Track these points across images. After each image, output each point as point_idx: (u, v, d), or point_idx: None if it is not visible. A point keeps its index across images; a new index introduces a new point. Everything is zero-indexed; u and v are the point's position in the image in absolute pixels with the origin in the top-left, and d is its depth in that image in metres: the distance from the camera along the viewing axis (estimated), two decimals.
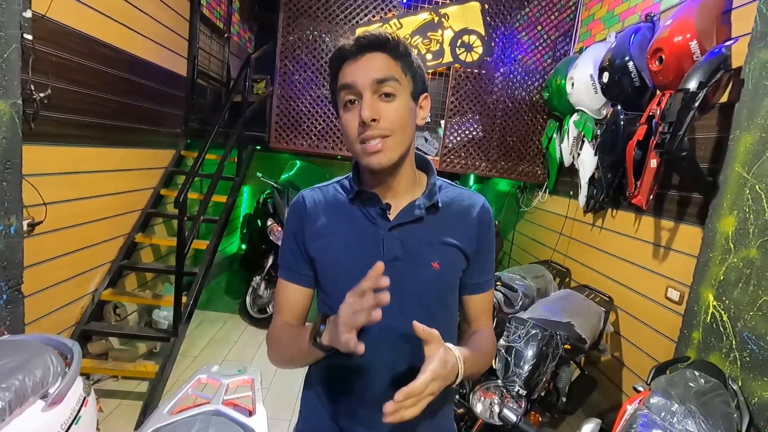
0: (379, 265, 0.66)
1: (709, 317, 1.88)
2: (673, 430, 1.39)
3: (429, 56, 3.69)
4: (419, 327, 0.69)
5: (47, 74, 1.94)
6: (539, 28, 3.71)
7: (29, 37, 1.74)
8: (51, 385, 1.27)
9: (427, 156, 0.91)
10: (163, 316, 3.19)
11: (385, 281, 0.66)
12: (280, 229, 3.77)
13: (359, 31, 3.60)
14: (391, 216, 0.83)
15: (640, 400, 1.56)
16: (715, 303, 1.86)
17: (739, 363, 1.72)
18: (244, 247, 5.10)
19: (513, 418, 0.80)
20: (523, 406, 1.40)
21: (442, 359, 0.70)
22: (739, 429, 1.52)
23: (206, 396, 1.19)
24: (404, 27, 3.67)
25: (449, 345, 0.74)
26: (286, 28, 3.67)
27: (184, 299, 2.71)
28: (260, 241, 3.99)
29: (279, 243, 3.64)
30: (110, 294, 2.79)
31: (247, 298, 3.78)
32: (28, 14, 1.71)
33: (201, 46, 3.88)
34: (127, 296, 2.91)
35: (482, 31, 3.64)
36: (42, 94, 1.88)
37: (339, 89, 0.78)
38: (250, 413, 1.17)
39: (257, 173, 4.11)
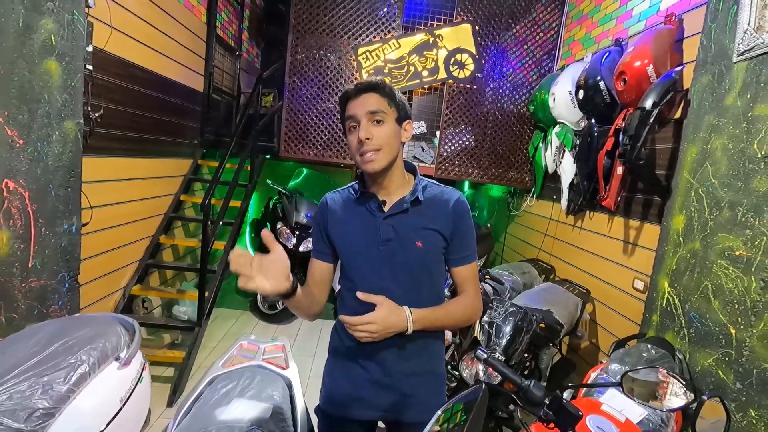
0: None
1: (664, 302, 2.20)
2: None
3: (425, 73, 4.04)
4: (363, 295, 1.05)
5: (100, 97, 2.28)
6: (526, 46, 4.07)
7: (90, 67, 2.08)
8: (122, 351, 1.58)
9: (422, 164, 1.26)
10: (182, 311, 3.49)
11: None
12: (288, 231, 4.07)
13: (361, 51, 3.97)
14: (386, 209, 1.15)
15: (602, 369, 1.89)
16: (669, 289, 2.17)
17: (687, 339, 2.03)
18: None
19: (484, 355, 1.11)
20: None
21: (387, 310, 1.04)
22: None
23: (248, 356, 1.51)
24: (402, 46, 4.02)
25: (405, 306, 1.08)
26: (294, 48, 4.02)
27: (206, 294, 3.02)
28: None
29: (288, 245, 4.00)
30: (139, 289, 3.10)
31: (258, 296, 4.07)
32: (90, 48, 2.05)
33: (215, 63, 4.23)
34: (154, 291, 3.22)
35: (473, 50, 4.00)
36: (96, 114, 2.22)
37: (345, 119, 1.13)
38: (284, 369, 1.48)
39: (267, 180, 4.43)
